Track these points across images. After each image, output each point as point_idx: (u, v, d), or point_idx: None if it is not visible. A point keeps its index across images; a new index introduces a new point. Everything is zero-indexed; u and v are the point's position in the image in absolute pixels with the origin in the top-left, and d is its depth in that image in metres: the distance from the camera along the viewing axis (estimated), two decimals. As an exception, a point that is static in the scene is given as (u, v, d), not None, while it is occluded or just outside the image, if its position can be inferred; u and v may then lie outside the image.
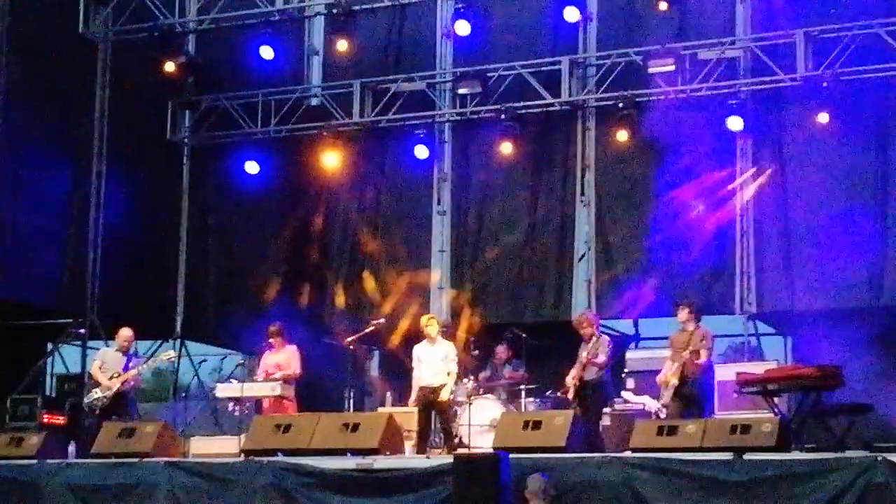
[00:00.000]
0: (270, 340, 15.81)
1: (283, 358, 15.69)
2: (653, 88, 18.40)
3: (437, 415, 15.20)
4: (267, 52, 19.51)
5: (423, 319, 15.53)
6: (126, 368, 15.67)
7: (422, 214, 20.40)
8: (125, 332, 15.98)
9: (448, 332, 16.12)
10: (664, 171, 18.58)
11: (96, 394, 15.56)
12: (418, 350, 15.25)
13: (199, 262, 21.03)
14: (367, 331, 16.30)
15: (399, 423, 14.22)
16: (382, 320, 16.69)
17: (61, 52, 19.09)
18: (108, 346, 16.98)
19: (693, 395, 14.23)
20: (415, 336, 15.95)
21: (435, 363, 15.04)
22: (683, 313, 14.69)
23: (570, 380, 14.67)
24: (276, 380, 15.44)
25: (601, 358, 14.58)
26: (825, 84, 17.28)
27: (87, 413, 15.66)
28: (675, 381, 14.19)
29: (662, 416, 14.65)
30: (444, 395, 14.96)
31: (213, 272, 20.97)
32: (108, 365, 15.72)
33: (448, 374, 15.00)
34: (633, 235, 18.75)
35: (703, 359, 14.26)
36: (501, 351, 17.10)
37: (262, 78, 20.16)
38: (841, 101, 17.33)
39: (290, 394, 15.48)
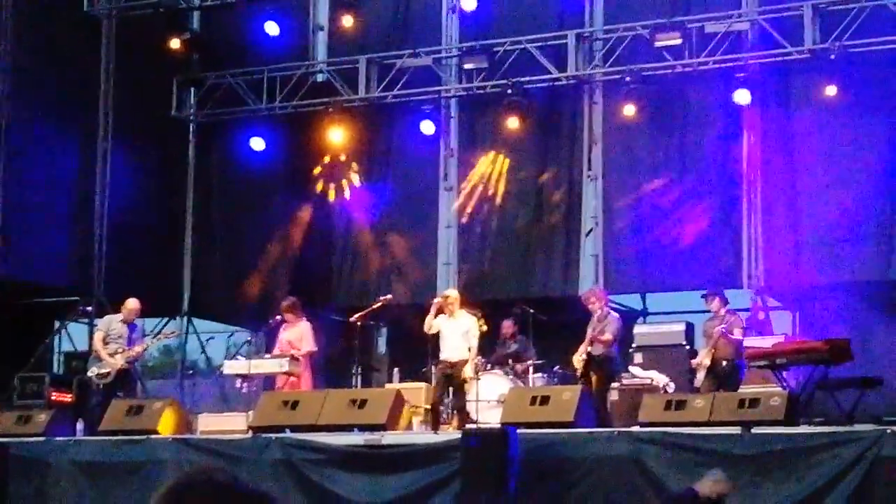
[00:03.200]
0: (284, 315, 15.78)
1: (296, 334, 15.66)
2: (659, 62, 18.32)
3: (454, 392, 15.05)
4: (272, 28, 19.48)
5: (448, 295, 15.34)
6: (130, 340, 15.67)
7: (428, 190, 20.35)
8: (133, 304, 15.94)
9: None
10: (671, 145, 18.55)
11: (100, 369, 15.55)
12: (438, 323, 15.16)
13: (206, 239, 21.01)
14: (374, 307, 16.27)
15: (407, 398, 14.23)
16: (390, 297, 16.65)
17: (66, 30, 19.06)
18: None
19: (727, 375, 14.22)
20: (423, 312, 15.91)
21: (455, 337, 14.87)
22: (714, 303, 14.75)
23: (578, 357, 14.65)
24: (286, 356, 15.41)
25: (607, 336, 14.57)
26: (833, 57, 17.17)
27: (94, 388, 15.65)
28: (707, 361, 14.23)
29: (671, 390, 14.69)
30: (467, 373, 14.74)
31: (220, 249, 20.93)
32: (112, 335, 15.70)
33: (469, 349, 14.88)
34: (641, 210, 18.70)
35: (736, 335, 14.32)
36: (507, 326, 17.06)
37: (268, 54, 20.10)
38: (849, 74, 17.23)
39: (298, 370, 15.44)
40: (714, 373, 14.21)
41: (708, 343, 14.45)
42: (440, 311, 15.01)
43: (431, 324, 14.96)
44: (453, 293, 15.46)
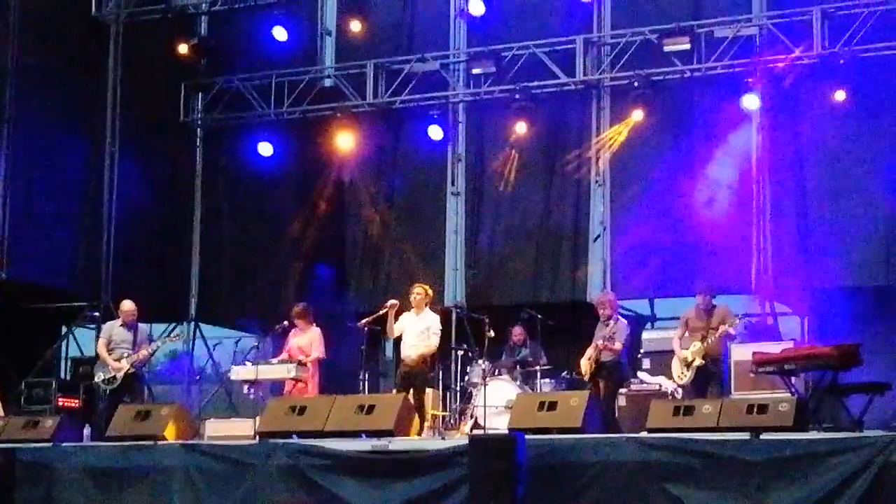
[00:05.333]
0: (295, 321, 15.75)
1: (306, 341, 15.61)
2: (668, 67, 18.31)
3: (413, 392, 14.65)
4: (280, 33, 19.49)
5: (414, 287, 15.30)
6: (135, 344, 15.65)
7: (436, 195, 20.34)
8: (128, 306, 15.91)
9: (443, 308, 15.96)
10: (679, 150, 18.52)
11: (106, 374, 15.54)
12: (402, 320, 15.09)
13: (214, 244, 21.02)
14: (380, 312, 16.21)
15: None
16: (396, 302, 16.63)
17: (74, 34, 19.09)
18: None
19: (716, 374, 14.28)
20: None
21: (414, 335, 14.77)
22: (707, 299, 14.69)
23: (586, 361, 14.62)
24: (294, 362, 15.37)
25: (617, 344, 14.54)
26: (842, 61, 17.16)
27: (100, 394, 15.65)
28: (699, 361, 14.20)
29: (679, 396, 14.64)
30: (413, 356, 14.66)
31: (228, 254, 20.94)
32: (115, 341, 15.68)
33: (427, 346, 14.77)
34: (649, 215, 18.64)
35: (733, 332, 14.42)
36: (518, 332, 17.02)
37: (275, 59, 20.12)
38: (858, 79, 17.21)
39: (306, 376, 15.40)
40: (704, 371, 14.21)
41: (693, 336, 14.39)
42: (399, 313, 14.95)
43: (393, 329, 14.88)
44: (422, 287, 15.34)
